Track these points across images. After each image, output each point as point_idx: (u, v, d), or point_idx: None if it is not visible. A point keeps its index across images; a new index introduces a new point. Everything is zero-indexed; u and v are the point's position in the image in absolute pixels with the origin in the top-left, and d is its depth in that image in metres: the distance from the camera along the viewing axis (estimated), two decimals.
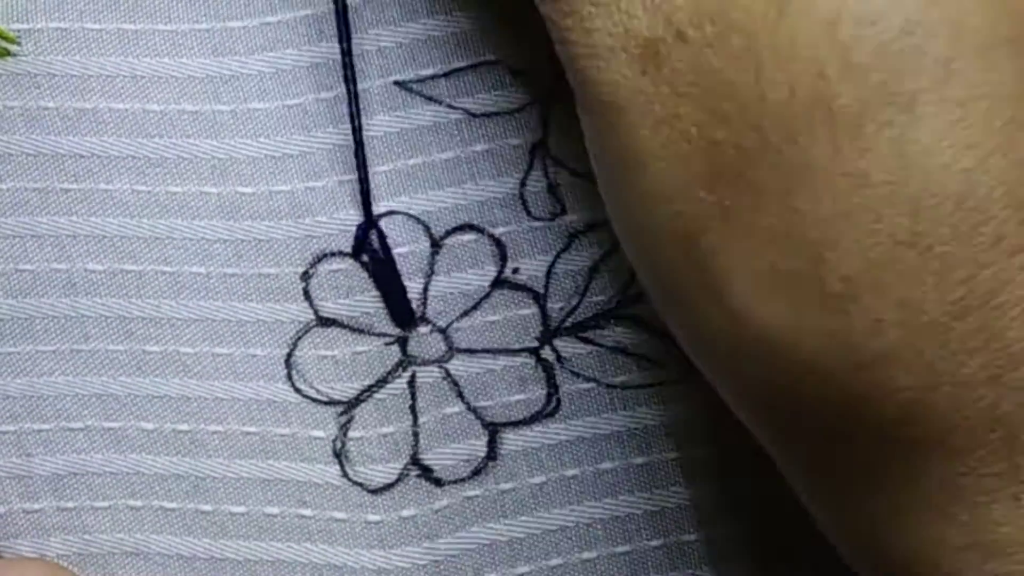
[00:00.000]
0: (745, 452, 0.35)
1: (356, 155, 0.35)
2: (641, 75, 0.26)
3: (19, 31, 0.36)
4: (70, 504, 0.36)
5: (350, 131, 0.36)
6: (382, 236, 0.35)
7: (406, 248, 0.36)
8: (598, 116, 0.28)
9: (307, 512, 0.36)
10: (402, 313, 0.36)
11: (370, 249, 0.36)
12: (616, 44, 0.27)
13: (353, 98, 0.35)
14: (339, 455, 0.36)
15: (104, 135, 0.36)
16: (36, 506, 0.36)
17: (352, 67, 0.35)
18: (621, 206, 0.29)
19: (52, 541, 0.36)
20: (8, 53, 0.36)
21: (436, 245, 0.36)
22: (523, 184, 0.36)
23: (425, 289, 0.36)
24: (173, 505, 0.36)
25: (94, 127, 0.36)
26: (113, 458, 0.36)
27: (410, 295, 0.36)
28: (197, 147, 0.36)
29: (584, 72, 0.27)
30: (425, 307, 0.36)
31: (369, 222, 0.35)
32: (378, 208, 0.36)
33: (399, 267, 0.36)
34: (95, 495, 0.36)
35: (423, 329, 0.36)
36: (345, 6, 0.36)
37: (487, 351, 0.36)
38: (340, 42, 0.35)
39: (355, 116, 0.35)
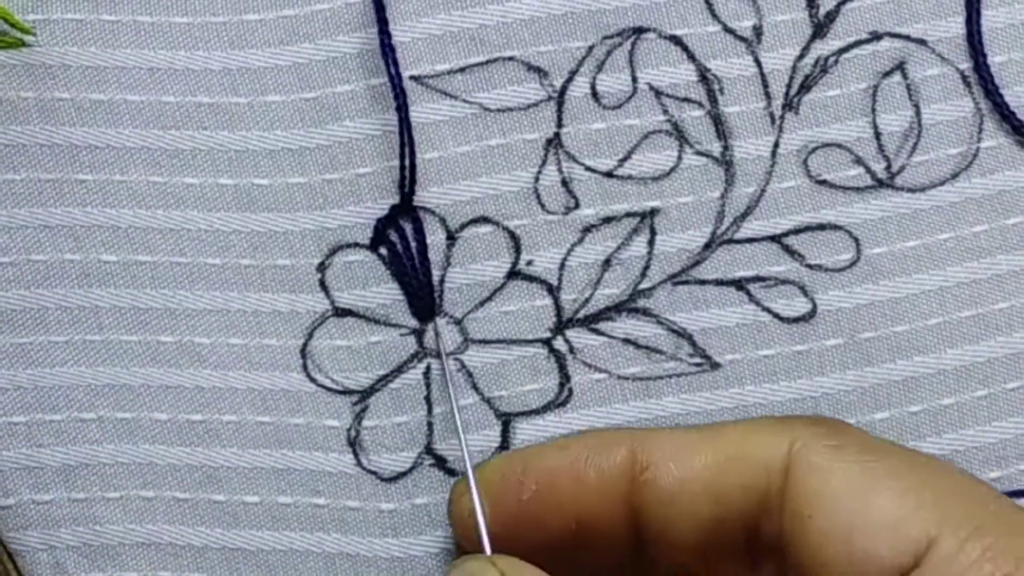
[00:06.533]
0: None
1: (401, 146, 0.36)
2: None
3: (34, 22, 0.36)
4: (81, 495, 0.36)
5: (366, 124, 0.36)
6: (415, 227, 0.36)
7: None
8: None
9: (320, 501, 0.36)
10: (423, 307, 0.36)
11: (390, 243, 0.36)
12: None
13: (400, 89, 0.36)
14: (353, 444, 0.36)
15: (119, 126, 0.36)
16: (46, 497, 0.36)
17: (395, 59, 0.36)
18: None
19: (62, 532, 0.36)
20: (23, 44, 0.36)
21: (452, 238, 0.36)
22: (537, 179, 0.37)
23: (441, 281, 0.36)
24: (186, 495, 0.36)
25: (109, 118, 0.36)
26: (125, 448, 0.36)
27: None
28: (213, 139, 0.36)
29: None
30: (442, 299, 0.36)
31: (391, 216, 0.36)
32: (393, 201, 0.36)
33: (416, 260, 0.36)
34: (106, 486, 0.36)
35: (440, 321, 0.36)
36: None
37: (501, 341, 0.36)
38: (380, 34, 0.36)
39: (402, 108, 0.36)
